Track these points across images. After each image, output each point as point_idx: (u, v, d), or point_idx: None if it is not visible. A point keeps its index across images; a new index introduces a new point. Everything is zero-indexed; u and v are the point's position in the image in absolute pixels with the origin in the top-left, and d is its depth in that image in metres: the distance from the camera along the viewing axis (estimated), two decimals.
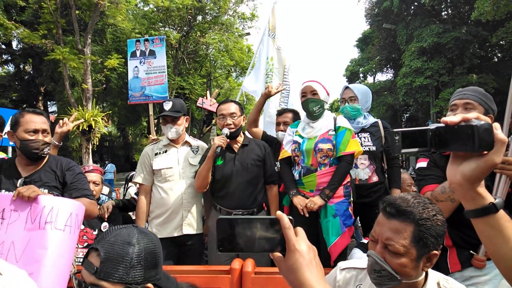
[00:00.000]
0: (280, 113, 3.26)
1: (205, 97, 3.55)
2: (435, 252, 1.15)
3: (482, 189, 0.76)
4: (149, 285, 1.14)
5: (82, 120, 3.15)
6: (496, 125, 0.70)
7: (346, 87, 2.95)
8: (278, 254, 0.73)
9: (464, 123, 0.71)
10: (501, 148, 0.70)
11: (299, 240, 0.72)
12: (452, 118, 0.72)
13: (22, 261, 1.65)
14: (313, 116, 2.55)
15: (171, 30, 17.20)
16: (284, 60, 4.54)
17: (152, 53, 4.12)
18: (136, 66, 4.12)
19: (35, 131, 2.09)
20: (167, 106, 2.76)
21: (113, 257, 1.08)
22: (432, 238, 1.13)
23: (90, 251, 1.12)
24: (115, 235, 1.12)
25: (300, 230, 0.74)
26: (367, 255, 1.23)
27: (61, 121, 2.65)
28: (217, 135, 2.74)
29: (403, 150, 0.81)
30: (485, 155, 0.71)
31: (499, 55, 19.74)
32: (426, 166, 2.00)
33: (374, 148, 2.74)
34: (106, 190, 3.17)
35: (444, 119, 0.74)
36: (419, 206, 1.16)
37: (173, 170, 2.75)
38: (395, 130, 0.79)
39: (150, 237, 1.18)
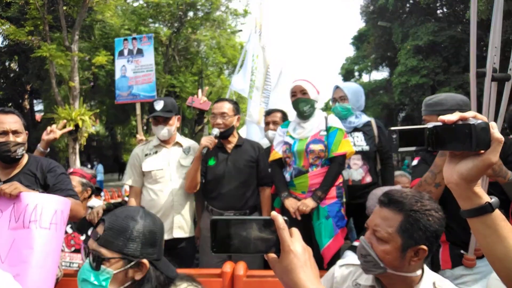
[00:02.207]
0: (269, 112, 3.27)
1: (195, 95, 3.52)
2: (423, 247, 1.16)
3: (478, 189, 0.77)
4: (145, 260, 1.21)
5: (70, 128, 3.08)
6: (493, 124, 0.71)
7: (337, 87, 2.95)
8: (272, 255, 0.73)
9: (462, 122, 0.72)
10: (498, 147, 0.71)
11: (294, 241, 0.72)
12: (449, 116, 0.73)
13: (8, 262, 1.62)
14: (304, 116, 2.53)
15: (162, 26, 17.07)
16: (267, 60, 4.58)
17: (139, 52, 4.10)
18: (124, 65, 4.10)
19: (4, 133, 1.98)
20: (158, 105, 2.68)
21: (115, 227, 1.19)
22: (419, 231, 1.15)
23: (99, 222, 1.23)
24: (122, 210, 1.26)
25: (295, 230, 0.74)
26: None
27: (48, 128, 2.57)
28: (209, 134, 2.70)
29: (400, 149, 0.80)
30: (482, 154, 0.72)
31: (494, 55, 19.97)
32: (417, 164, 2.11)
33: (367, 148, 2.74)
34: (96, 202, 3.04)
35: (441, 117, 0.74)
36: (412, 199, 1.19)
37: (163, 171, 2.70)
38: (392, 128, 0.80)
39: (153, 219, 1.29)
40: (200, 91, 3.76)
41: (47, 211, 1.74)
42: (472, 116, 0.71)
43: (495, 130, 0.71)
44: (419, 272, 1.24)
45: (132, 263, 1.19)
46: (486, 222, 0.76)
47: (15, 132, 2.01)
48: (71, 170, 2.79)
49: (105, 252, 1.16)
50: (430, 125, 0.78)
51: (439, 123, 0.76)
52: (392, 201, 1.21)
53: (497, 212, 0.76)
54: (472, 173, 0.74)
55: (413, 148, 0.81)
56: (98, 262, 1.16)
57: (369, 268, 1.23)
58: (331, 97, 2.98)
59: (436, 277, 1.30)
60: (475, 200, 0.77)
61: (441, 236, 1.21)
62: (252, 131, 4.28)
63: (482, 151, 0.72)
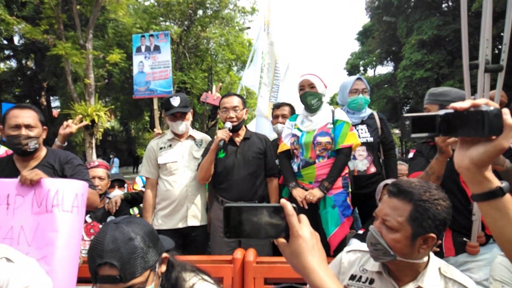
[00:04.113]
0: (278, 106, 3.32)
1: (209, 92, 3.61)
2: (432, 235, 1.19)
3: (489, 173, 0.77)
4: (164, 255, 1.28)
5: (86, 122, 3.13)
6: (506, 111, 0.71)
7: (359, 78, 2.98)
8: (282, 240, 0.75)
9: (474, 108, 0.72)
10: (510, 133, 0.71)
11: (302, 227, 0.75)
12: (461, 104, 0.73)
13: (35, 245, 1.68)
14: (311, 109, 2.59)
15: (172, 24, 17.19)
16: (276, 55, 4.62)
17: (156, 48, 4.13)
18: (141, 61, 4.14)
19: (17, 126, 2.05)
20: (175, 102, 2.75)
21: (126, 258, 1.14)
22: (429, 220, 1.18)
23: (98, 267, 1.14)
24: (112, 241, 1.15)
25: (303, 217, 0.77)
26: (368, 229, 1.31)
27: (65, 123, 2.66)
28: (219, 128, 2.78)
29: (413, 135, 0.80)
30: (493, 140, 0.72)
31: (499, 46, 19.63)
32: (412, 156, 2.12)
33: (371, 139, 2.81)
34: (119, 192, 3.18)
35: (453, 105, 0.74)
36: (420, 189, 1.21)
37: (177, 164, 2.80)
38: (405, 115, 0.80)
39: (138, 222, 1.27)
40: (214, 87, 3.85)
41: (68, 195, 1.79)
42: (484, 103, 0.71)
43: (508, 116, 0.71)
44: (425, 258, 1.28)
45: (158, 265, 1.24)
46: (497, 206, 0.77)
47: (28, 126, 2.07)
48: (96, 163, 2.91)
49: (136, 281, 1.15)
50: (442, 112, 0.78)
51: (451, 110, 0.76)
52: (402, 191, 1.22)
53: (508, 196, 0.77)
54: (484, 158, 0.74)
55: (425, 134, 0.81)
56: None
57: (379, 256, 1.26)
58: (350, 88, 2.95)
59: (442, 263, 1.33)
60: (486, 185, 0.77)
61: (449, 224, 1.24)
62: (261, 125, 4.35)
63: (494, 137, 0.72)
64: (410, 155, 2.15)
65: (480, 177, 0.77)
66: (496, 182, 0.77)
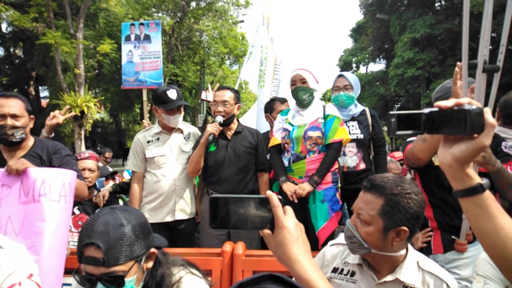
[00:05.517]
0: (283, 101, 3.32)
1: (207, 90, 3.60)
2: (404, 228, 1.22)
3: (470, 171, 0.80)
4: (153, 250, 1.27)
5: (73, 113, 3.07)
6: (487, 110, 0.73)
7: (340, 75, 2.96)
8: (267, 231, 0.77)
9: (457, 107, 0.74)
10: (491, 132, 0.73)
11: (287, 218, 0.77)
12: (445, 102, 0.75)
13: (22, 235, 1.68)
14: (303, 104, 2.61)
15: (165, 16, 16.97)
16: (276, 50, 4.62)
17: (147, 38, 4.05)
18: (130, 51, 4.05)
19: (2, 116, 2.02)
20: (173, 95, 2.69)
21: (113, 243, 1.14)
22: (399, 213, 1.21)
23: (84, 247, 1.15)
24: (103, 224, 1.17)
25: (288, 208, 0.78)
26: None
27: (51, 114, 2.63)
28: (211, 122, 2.77)
29: (398, 132, 0.82)
30: (475, 138, 0.75)
31: (490, 47, 19.89)
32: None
33: (362, 136, 2.81)
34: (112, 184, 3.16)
35: (438, 103, 0.76)
36: (392, 183, 1.25)
37: (165, 157, 2.77)
38: (391, 112, 0.82)
39: (133, 211, 1.28)
40: (210, 86, 3.82)
41: (55, 184, 1.78)
42: (467, 102, 0.73)
43: (489, 115, 0.73)
44: (403, 252, 1.31)
45: (144, 258, 1.23)
46: (477, 202, 0.79)
47: (13, 116, 2.04)
48: (86, 154, 2.86)
49: (118, 268, 1.14)
50: (426, 110, 0.80)
51: (436, 109, 0.77)
52: (374, 185, 1.27)
53: (488, 193, 0.79)
54: (466, 156, 0.76)
55: (410, 132, 0.83)
56: (120, 280, 1.16)
57: (355, 248, 1.31)
58: (333, 85, 2.97)
59: (420, 256, 1.37)
60: (467, 181, 0.79)
61: (422, 218, 1.27)
62: (263, 119, 4.38)
63: (476, 135, 0.74)
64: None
65: (462, 174, 0.79)
66: (477, 179, 0.79)
